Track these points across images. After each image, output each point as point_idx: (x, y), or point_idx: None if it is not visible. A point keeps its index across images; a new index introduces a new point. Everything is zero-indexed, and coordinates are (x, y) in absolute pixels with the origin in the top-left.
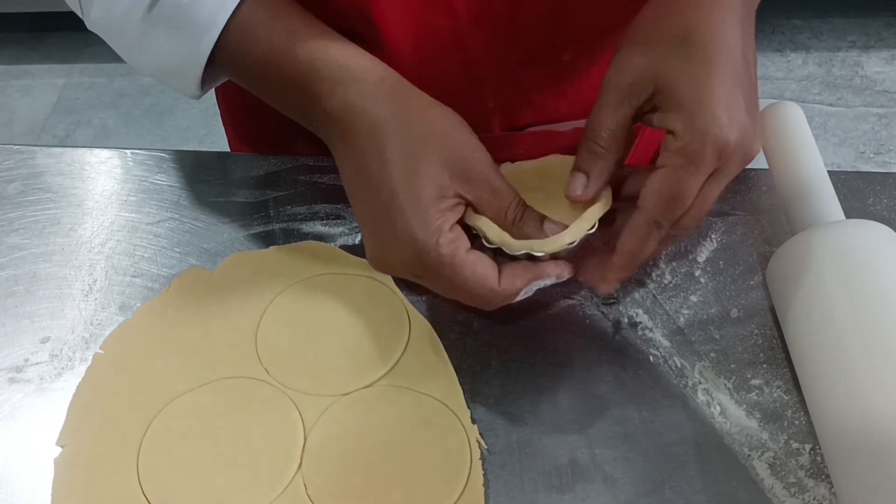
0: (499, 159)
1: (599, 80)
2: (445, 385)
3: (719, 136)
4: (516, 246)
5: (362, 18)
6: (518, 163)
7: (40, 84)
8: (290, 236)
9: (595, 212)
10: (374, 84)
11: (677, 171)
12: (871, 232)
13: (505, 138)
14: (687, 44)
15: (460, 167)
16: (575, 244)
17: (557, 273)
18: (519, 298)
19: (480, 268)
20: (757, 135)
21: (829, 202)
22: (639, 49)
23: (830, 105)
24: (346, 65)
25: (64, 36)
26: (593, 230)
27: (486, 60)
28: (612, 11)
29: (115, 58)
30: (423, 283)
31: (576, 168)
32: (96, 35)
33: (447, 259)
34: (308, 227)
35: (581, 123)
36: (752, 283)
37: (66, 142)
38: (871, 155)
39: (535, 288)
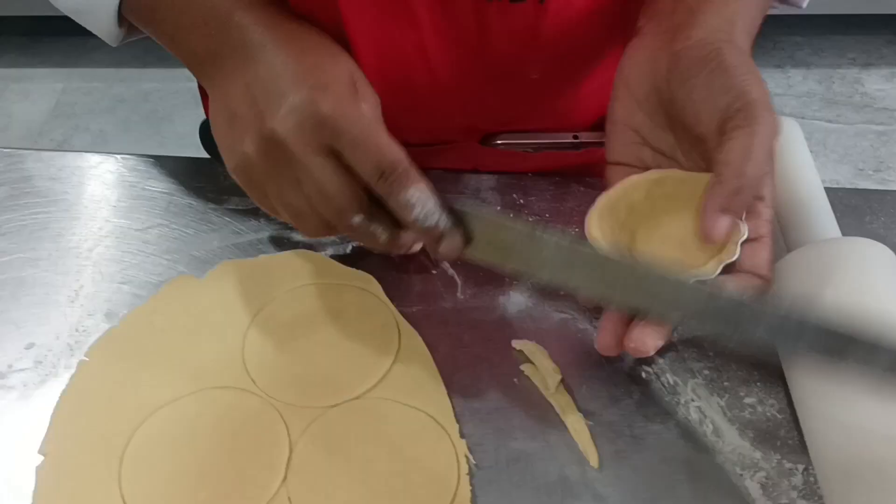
0: (466, 168)
1: (571, 96)
2: (434, 398)
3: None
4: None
5: (333, 26)
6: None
7: (38, 88)
8: (281, 245)
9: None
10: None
11: (746, 133)
12: (866, 250)
13: (472, 150)
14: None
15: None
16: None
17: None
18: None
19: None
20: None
21: (825, 220)
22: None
23: (830, 122)
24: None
25: (63, 40)
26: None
27: (451, 74)
28: (582, 33)
29: (114, 63)
30: (311, 147)
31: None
32: (96, 40)
33: (376, 106)
34: (298, 235)
35: (553, 137)
36: None
37: (64, 146)
38: (871, 172)
39: (424, 211)
